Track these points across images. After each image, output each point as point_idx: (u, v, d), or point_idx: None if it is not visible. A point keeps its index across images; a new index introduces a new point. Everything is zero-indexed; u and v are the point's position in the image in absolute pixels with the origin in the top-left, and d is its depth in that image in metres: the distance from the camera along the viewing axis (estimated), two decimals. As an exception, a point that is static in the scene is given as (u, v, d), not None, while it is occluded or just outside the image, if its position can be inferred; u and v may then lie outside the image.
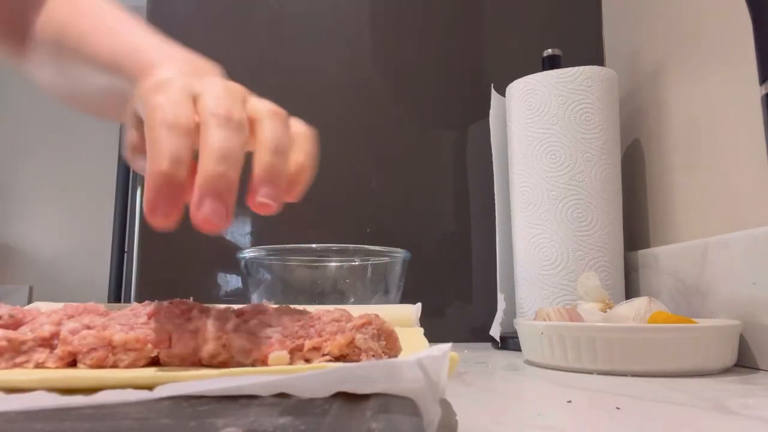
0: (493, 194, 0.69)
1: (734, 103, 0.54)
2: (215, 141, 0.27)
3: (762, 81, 0.37)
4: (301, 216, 0.77)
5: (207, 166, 0.27)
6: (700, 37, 0.60)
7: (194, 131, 0.28)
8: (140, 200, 0.78)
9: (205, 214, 0.26)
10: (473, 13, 0.82)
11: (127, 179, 1.84)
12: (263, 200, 0.28)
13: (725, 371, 0.44)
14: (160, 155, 0.26)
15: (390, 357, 0.27)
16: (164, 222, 0.26)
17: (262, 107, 0.31)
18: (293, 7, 0.81)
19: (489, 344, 0.67)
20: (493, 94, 0.71)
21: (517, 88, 0.66)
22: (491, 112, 0.71)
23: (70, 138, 2.30)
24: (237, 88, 0.32)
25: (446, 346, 0.21)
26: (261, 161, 0.29)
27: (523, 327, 0.50)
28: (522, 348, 0.51)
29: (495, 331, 0.63)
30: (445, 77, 0.80)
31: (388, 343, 0.27)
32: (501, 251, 0.68)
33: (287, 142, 0.31)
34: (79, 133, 2.29)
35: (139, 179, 0.80)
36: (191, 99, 0.30)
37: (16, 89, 2.27)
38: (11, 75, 2.18)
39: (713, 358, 0.42)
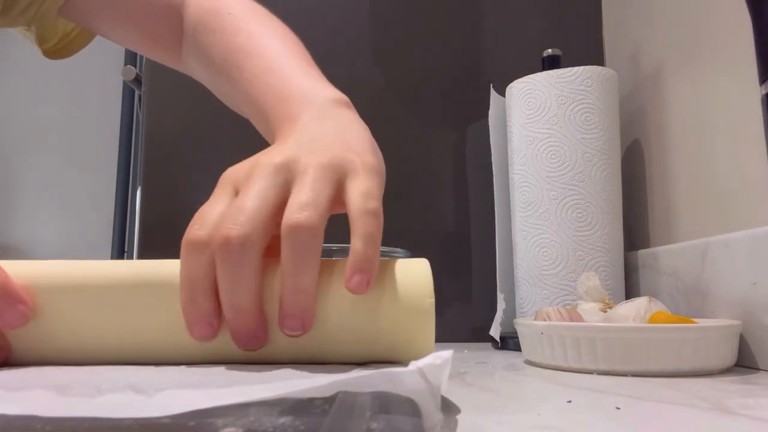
0: (493, 194, 0.69)
1: (734, 103, 0.54)
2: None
3: (762, 81, 0.37)
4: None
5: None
6: (700, 37, 0.60)
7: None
8: (140, 200, 0.78)
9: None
10: (473, 13, 0.82)
11: (127, 179, 1.84)
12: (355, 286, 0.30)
13: (725, 371, 0.44)
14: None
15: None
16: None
17: (355, 201, 0.31)
18: (293, 7, 0.81)
19: (489, 344, 0.67)
20: (493, 94, 0.71)
21: (517, 88, 0.66)
22: (491, 112, 0.71)
23: (70, 138, 2.30)
24: (335, 166, 0.32)
25: (447, 353, 0.21)
26: (354, 251, 0.30)
27: (523, 327, 0.50)
28: (522, 348, 0.51)
29: (495, 331, 0.63)
30: (444, 77, 0.80)
31: None
32: (501, 251, 0.68)
33: (377, 237, 0.31)
34: (79, 133, 2.29)
35: (140, 179, 0.80)
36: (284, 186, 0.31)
37: (16, 89, 2.27)
38: (11, 75, 2.18)
39: (713, 358, 0.42)
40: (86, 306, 0.29)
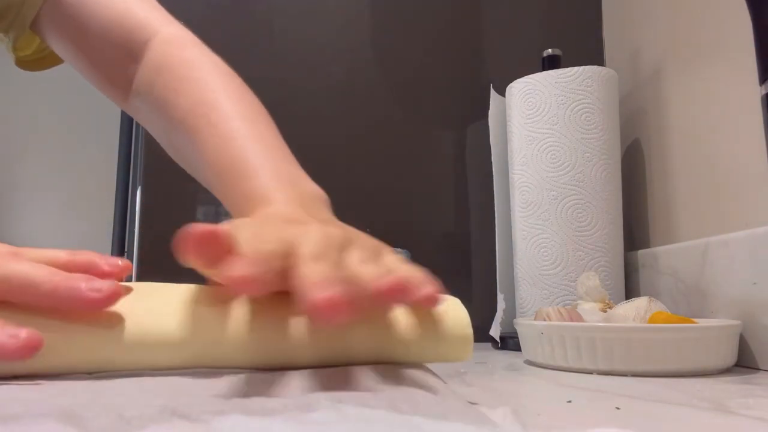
0: (493, 194, 0.69)
1: (734, 103, 0.54)
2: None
3: (762, 81, 0.37)
4: (301, 216, 0.77)
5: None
6: (700, 37, 0.60)
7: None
8: (140, 200, 0.78)
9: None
10: (473, 13, 0.82)
11: (127, 179, 1.84)
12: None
13: (725, 371, 0.44)
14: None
15: None
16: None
17: (362, 267, 0.28)
18: (293, 7, 0.81)
19: (489, 344, 0.67)
20: (493, 94, 0.71)
21: (517, 88, 0.66)
22: (491, 112, 0.71)
23: (70, 138, 2.30)
24: (336, 235, 0.29)
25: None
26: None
27: (523, 327, 0.50)
28: (522, 348, 0.51)
29: (495, 331, 0.63)
30: (445, 77, 0.80)
31: None
32: (501, 251, 0.68)
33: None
34: (79, 133, 2.29)
35: (140, 179, 0.80)
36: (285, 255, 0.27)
37: (16, 89, 2.27)
38: (11, 75, 2.18)
39: (713, 358, 0.42)
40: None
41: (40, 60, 0.56)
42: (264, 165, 0.40)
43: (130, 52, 0.49)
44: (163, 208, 0.75)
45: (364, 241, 0.31)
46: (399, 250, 0.60)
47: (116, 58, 0.50)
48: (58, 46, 0.52)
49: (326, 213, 0.38)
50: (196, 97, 0.45)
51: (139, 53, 0.49)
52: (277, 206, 0.36)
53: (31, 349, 0.24)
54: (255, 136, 0.42)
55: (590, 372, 0.43)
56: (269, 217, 0.34)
